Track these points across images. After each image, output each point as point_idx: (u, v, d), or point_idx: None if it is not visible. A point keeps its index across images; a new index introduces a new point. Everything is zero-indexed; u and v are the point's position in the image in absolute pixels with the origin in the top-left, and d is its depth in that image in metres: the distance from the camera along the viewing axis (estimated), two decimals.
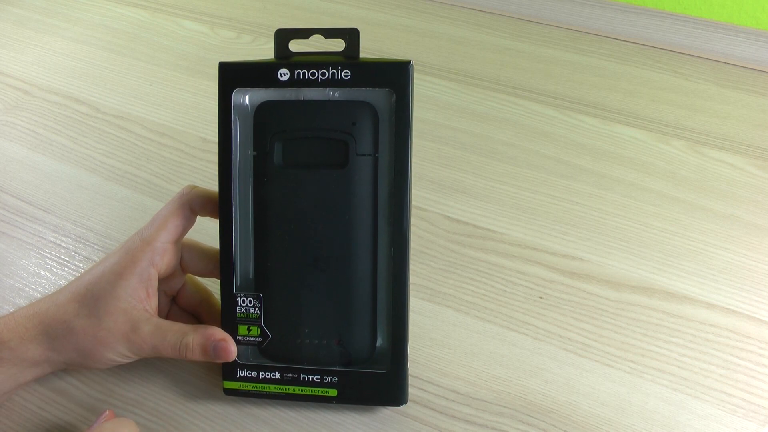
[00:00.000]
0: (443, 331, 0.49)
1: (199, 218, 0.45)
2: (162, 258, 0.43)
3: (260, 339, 0.43)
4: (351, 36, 0.41)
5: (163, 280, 0.45)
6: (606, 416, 0.44)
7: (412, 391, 0.44)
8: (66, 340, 0.41)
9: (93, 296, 0.42)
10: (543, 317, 0.50)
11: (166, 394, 0.45)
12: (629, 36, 0.82)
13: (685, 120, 0.68)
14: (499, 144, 0.66)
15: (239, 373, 0.43)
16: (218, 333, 0.42)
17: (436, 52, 0.79)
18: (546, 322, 0.49)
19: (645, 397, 0.45)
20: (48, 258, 0.54)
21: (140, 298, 0.42)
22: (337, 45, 0.42)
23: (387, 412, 0.44)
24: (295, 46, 0.41)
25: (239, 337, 0.43)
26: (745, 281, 0.52)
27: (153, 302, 0.43)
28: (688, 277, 0.52)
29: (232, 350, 0.42)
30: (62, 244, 0.56)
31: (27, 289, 0.52)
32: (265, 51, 0.79)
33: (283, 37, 0.42)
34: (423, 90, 0.72)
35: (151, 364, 0.46)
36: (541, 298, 0.51)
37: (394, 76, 0.41)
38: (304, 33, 0.42)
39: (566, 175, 0.62)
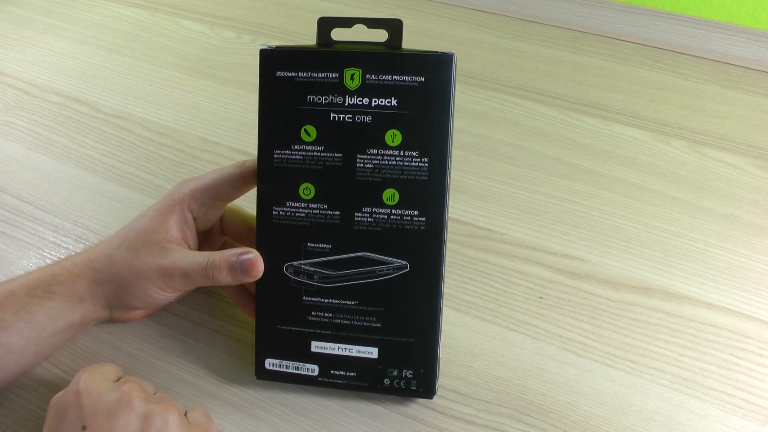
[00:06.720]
0: (443, 331, 0.49)
1: None
2: (200, 208, 0.45)
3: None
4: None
5: (200, 234, 0.47)
6: (606, 416, 0.44)
7: None
8: (107, 271, 0.44)
9: (134, 230, 0.45)
10: (543, 317, 0.50)
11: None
12: (629, 36, 0.82)
13: (685, 120, 0.68)
14: (499, 144, 0.66)
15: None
16: (245, 248, 0.43)
17: None
18: (546, 322, 0.49)
19: (645, 397, 0.45)
20: (48, 258, 0.54)
21: (176, 236, 0.45)
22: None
23: (387, 412, 0.44)
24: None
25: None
26: (745, 281, 0.52)
27: (191, 243, 0.46)
28: (688, 277, 0.52)
29: (259, 265, 0.42)
30: (62, 244, 0.56)
31: None
32: None
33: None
34: None
35: (152, 365, 0.46)
36: (541, 298, 0.51)
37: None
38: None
39: (566, 175, 0.62)
